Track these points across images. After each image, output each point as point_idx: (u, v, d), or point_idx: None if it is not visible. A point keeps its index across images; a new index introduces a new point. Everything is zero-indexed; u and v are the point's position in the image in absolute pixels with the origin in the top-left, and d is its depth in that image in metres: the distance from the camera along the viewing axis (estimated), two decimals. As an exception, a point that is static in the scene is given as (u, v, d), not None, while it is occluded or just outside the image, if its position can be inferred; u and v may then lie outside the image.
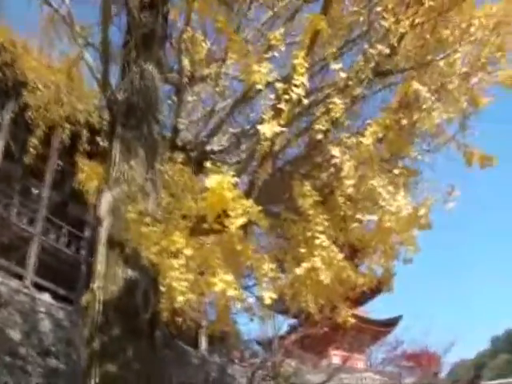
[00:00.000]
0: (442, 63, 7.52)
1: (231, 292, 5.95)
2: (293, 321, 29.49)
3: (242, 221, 5.70)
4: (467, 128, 8.39)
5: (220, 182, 4.98)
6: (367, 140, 6.24)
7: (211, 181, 4.99)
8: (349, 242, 7.98)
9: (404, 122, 6.93)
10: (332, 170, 7.22)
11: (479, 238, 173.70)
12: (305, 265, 6.65)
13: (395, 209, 6.39)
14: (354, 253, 8.62)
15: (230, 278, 6.03)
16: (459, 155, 8.31)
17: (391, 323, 47.42)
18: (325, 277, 6.76)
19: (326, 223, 6.74)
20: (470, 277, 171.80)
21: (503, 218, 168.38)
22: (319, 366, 28.56)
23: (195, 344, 26.83)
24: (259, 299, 7.42)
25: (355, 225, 7.54)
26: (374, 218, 6.84)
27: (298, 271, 6.67)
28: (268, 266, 6.47)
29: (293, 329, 39.41)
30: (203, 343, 26.60)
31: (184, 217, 6.54)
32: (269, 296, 6.62)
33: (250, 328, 26.32)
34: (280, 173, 7.36)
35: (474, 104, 8.14)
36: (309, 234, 6.91)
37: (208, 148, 8.77)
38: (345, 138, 6.54)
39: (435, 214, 8.01)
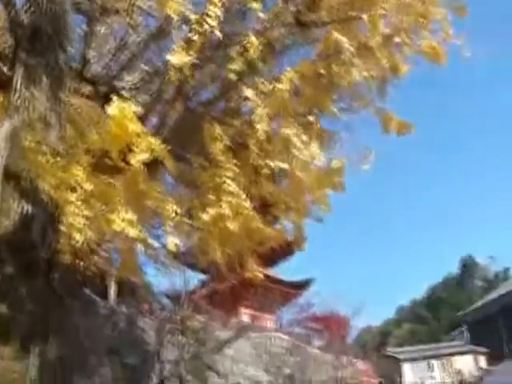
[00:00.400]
0: (365, 19, 7.41)
1: (132, 231, 5.76)
2: (203, 276, 29.43)
3: (145, 156, 5.50)
4: (386, 93, 8.38)
5: (122, 109, 4.75)
6: (283, 86, 6.11)
7: (113, 109, 4.75)
8: (260, 196, 7.87)
9: (322, 71, 6.82)
10: (245, 117, 7.09)
11: (394, 206, 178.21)
12: (211, 211, 6.52)
13: (307, 158, 6.33)
14: (265, 208, 8.51)
15: (131, 216, 5.83)
16: (377, 120, 8.37)
17: (302, 285, 48.16)
18: (232, 225, 6.66)
19: (237, 169, 6.62)
20: (382, 245, 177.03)
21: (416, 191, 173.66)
22: (228, 323, 28.68)
23: (104, 294, 26.50)
24: (164, 246, 7.23)
25: (266, 172, 7.47)
26: (286, 166, 6.76)
27: (205, 217, 6.54)
28: (172, 208, 6.31)
29: (203, 284, 39.56)
30: (112, 294, 26.30)
31: (87, 152, 6.24)
32: (173, 241, 6.47)
33: (159, 281, 25.98)
34: (192, 115, 7.12)
35: (394, 70, 8.13)
36: (218, 180, 6.77)
37: (118, 83, 8.41)
38: (260, 83, 6.36)
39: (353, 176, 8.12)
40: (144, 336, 23.52)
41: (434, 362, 48.99)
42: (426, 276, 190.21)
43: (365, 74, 7.12)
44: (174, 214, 6.34)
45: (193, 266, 24.18)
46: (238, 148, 7.33)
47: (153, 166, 6.45)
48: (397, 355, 49.48)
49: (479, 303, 77.31)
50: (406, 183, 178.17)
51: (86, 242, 5.91)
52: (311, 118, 7.32)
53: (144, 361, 22.37)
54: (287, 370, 32.32)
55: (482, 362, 53.44)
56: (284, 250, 45.92)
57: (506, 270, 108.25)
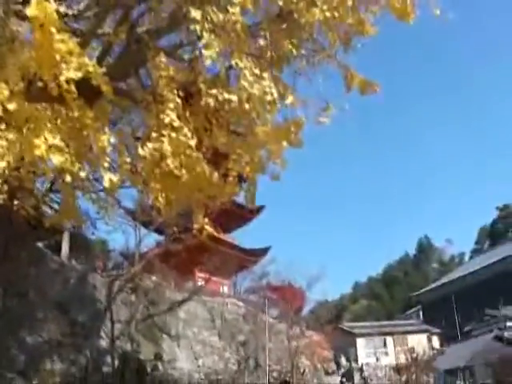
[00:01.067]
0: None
1: (56, 158, 5.21)
2: (159, 237, 28.77)
3: (75, 75, 4.94)
4: (350, 48, 7.96)
5: (43, 9, 4.13)
6: (234, 9, 5.57)
7: (32, 9, 4.15)
8: (213, 147, 7.41)
9: (280, 3, 6.29)
10: (196, 52, 6.57)
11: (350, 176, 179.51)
12: (150, 145, 6.00)
13: (259, 92, 5.84)
14: (217, 159, 8.06)
15: (58, 142, 5.28)
16: (340, 76, 7.96)
17: (259, 253, 47.95)
18: (173, 163, 6.16)
19: (179, 102, 6.10)
20: (341, 220, 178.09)
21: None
22: (182, 286, 28.21)
23: (57, 249, 25.84)
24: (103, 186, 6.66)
25: (219, 121, 7.01)
26: (234, 97, 6.23)
27: (142, 152, 6.01)
28: (108, 140, 5.79)
29: (158, 245, 38.97)
30: (65, 249, 25.69)
31: (18, 71, 5.63)
32: (109, 178, 5.95)
33: (114, 239, 25.35)
34: (137, 45, 6.53)
35: (359, 27, 7.66)
36: (161, 116, 6.24)
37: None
38: (212, 12, 5.78)
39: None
40: (95, 293, 22.97)
41: (388, 339, 49.39)
42: (384, 254, 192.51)
43: (328, 13, 6.57)
44: (110, 147, 5.80)
45: (147, 225, 23.52)
46: (187, 89, 6.83)
47: (90, 95, 5.90)
48: (352, 330, 49.74)
49: (434, 285, 78.35)
50: (370, 154, 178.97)
51: (7, 169, 5.31)
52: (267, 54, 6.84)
53: (94, 319, 21.85)
54: (241, 337, 32.13)
55: (435, 341, 54.10)
56: (240, 214, 45.91)
57: (462, 254, 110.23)
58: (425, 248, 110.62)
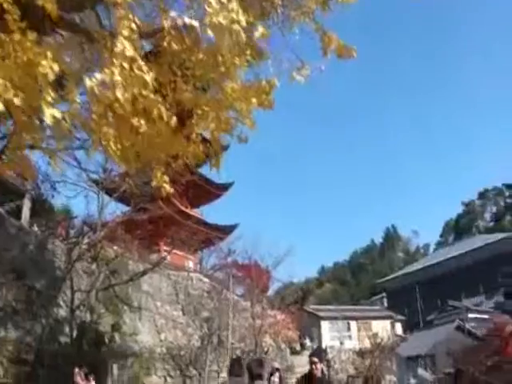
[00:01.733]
0: None
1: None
2: (124, 208, 27.78)
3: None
4: (328, 8, 7.37)
5: None
6: None
7: None
8: (177, 102, 6.75)
9: None
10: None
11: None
12: (98, 75, 5.18)
13: (225, 20, 5.07)
14: (181, 116, 7.38)
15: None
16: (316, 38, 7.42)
17: (226, 230, 47.47)
18: (122, 95, 5.36)
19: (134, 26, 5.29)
20: (307, 203, 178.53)
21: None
22: (146, 257, 27.32)
23: (18, 215, 24.86)
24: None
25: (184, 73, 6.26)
26: (195, 23, 5.46)
27: (89, 83, 5.18)
28: (49, 65, 4.95)
29: (122, 215, 38.04)
30: (25, 214, 24.69)
31: None
32: (51, 114, 5.15)
33: (77, 206, 24.25)
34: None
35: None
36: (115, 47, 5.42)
37: None
38: None
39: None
40: (55, 261, 22.03)
41: (352, 323, 49.30)
42: (351, 241, 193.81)
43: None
44: (52, 75, 4.97)
45: (111, 193, 22.54)
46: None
47: (35, 19, 5.07)
48: (317, 312, 49.50)
49: (399, 273, 79.04)
50: (343, 143, 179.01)
51: None
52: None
53: (52, 287, 20.94)
54: (205, 313, 31.47)
55: (399, 328, 54.32)
56: (208, 189, 45.21)
57: (427, 245, 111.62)
58: (391, 237, 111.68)
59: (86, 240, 20.37)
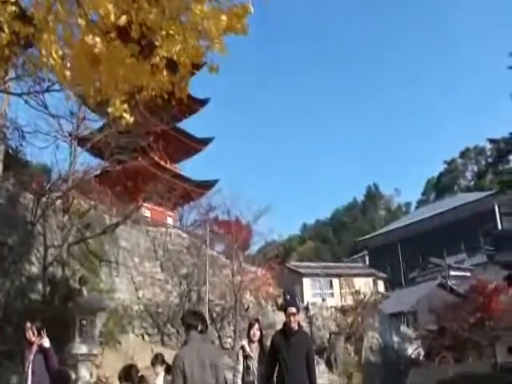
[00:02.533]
0: None
1: None
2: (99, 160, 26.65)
3: None
4: None
5: None
6: None
7: None
8: (140, 24, 6.01)
9: None
10: None
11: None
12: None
13: None
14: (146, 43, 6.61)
15: None
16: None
17: (206, 185, 46.77)
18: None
19: None
20: (292, 159, 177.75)
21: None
22: (122, 212, 26.24)
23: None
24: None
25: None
26: None
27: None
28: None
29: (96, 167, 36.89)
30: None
31: None
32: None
33: (49, 159, 22.89)
34: None
35: None
36: None
37: None
38: None
39: None
40: (27, 216, 20.97)
41: (335, 280, 49.11)
42: (332, 199, 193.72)
43: None
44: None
45: (84, 144, 21.41)
46: None
47: None
48: (298, 269, 49.19)
49: (381, 231, 79.28)
50: (326, 97, 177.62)
51: None
52: None
53: (24, 242, 19.92)
54: (184, 270, 30.78)
55: (381, 286, 54.40)
56: (187, 144, 44.29)
57: (408, 204, 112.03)
58: (373, 195, 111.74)
59: (58, 194, 19.24)
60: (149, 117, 23.26)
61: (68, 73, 5.70)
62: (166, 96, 6.86)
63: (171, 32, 6.07)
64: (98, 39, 5.46)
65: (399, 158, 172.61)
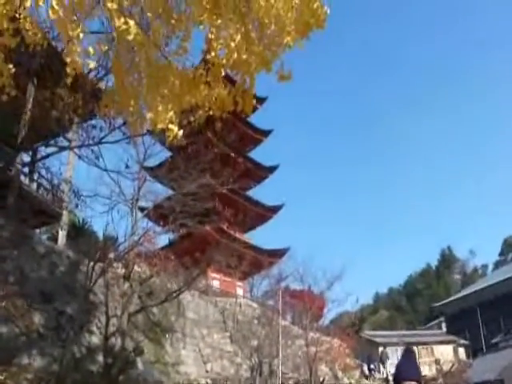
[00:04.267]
0: None
1: None
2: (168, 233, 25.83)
3: None
4: None
5: None
6: None
7: None
8: None
9: None
10: None
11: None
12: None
13: None
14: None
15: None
16: None
17: (277, 254, 45.05)
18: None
19: None
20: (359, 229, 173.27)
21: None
22: (191, 283, 24.89)
23: (54, 239, 23.10)
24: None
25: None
26: None
27: None
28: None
29: (170, 243, 36.05)
30: (61, 235, 22.75)
31: None
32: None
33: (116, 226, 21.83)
34: None
35: None
36: None
37: None
38: None
39: None
40: (87, 283, 19.87)
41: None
42: (405, 265, 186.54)
43: None
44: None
45: (147, 213, 20.56)
46: None
47: None
48: (375, 338, 46.48)
49: (458, 295, 75.39)
50: (393, 161, 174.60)
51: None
52: None
53: (84, 311, 18.70)
54: (255, 341, 28.88)
55: (462, 353, 50.79)
56: (258, 212, 43.37)
57: (485, 266, 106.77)
58: (447, 259, 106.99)
59: (120, 261, 18.06)
60: (213, 182, 22.45)
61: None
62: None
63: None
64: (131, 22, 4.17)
65: (474, 218, 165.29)
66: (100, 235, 23.52)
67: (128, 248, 17.73)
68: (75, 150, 18.63)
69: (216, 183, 22.55)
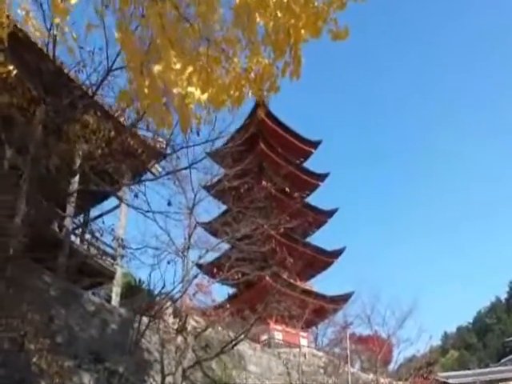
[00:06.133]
0: None
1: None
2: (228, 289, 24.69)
3: None
4: None
5: None
6: None
7: None
8: None
9: None
10: None
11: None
12: None
13: None
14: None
15: None
16: None
17: (341, 299, 42.95)
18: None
19: None
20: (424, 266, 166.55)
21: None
22: (255, 337, 23.31)
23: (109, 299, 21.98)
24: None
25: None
26: None
27: None
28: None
29: (229, 298, 34.67)
30: (114, 294, 21.62)
31: None
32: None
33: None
34: None
35: None
36: None
37: None
38: None
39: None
40: (142, 342, 18.53)
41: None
42: (473, 301, 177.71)
43: None
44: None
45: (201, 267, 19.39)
46: None
47: None
48: (448, 380, 43.52)
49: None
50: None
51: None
52: None
53: (138, 370, 17.30)
54: (323, 392, 26.97)
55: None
56: (321, 259, 42.04)
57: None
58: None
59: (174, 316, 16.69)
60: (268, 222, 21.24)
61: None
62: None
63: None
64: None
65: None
66: (146, 285, 22.28)
67: (180, 294, 16.38)
68: (127, 202, 17.91)
69: (271, 224, 21.27)
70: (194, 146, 13.31)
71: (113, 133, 9.59)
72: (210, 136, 14.73)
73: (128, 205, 18.16)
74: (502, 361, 71.78)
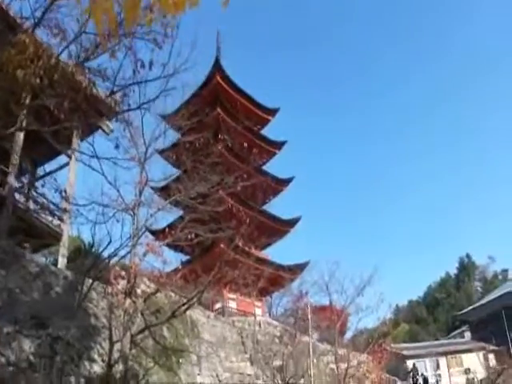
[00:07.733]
0: None
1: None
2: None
3: None
4: None
5: None
6: None
7: None
8: None
9: None
10: None
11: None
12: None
13: None
14: None
15: None
16: None
17: (296, 269, 42.37)
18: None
19: None
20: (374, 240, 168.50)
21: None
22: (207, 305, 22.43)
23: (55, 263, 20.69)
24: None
25: None
26: None
27: None
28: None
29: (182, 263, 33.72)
30: (61, 256, 20.41)
31: None
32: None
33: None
34: None
35: None
36: None
37: None
38: None
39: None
40: (89, 307, 17.36)
41: (441, 359, 43.19)
42: (423, 276, 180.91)
43: None
44: None
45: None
46: None
47: None
48: (401, 351, 43.57)
49: (481, 302, 72.40)
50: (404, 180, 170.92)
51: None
52: None
53: (84, 336, 16.15)
54: (277, 361, 26.10)
55: (492, 360, 47.69)
56: (275, 227, 41.10)
57: (505, 271, 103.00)
58: (466, 267, 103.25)
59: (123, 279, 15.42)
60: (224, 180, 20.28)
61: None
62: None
63: None
64: None
65: (491, 223, 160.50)
66: (89, 241, 20.97)
67: (126, 250, 15.14)
68: (83, 160, 16.47)
69: (226, 183, 20.27)
70: (145, 81, 11.71)
71: (54, 60, 8.29)
72: (164, 71, 12.86)
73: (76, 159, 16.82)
74: (452, 334, 73.06)
